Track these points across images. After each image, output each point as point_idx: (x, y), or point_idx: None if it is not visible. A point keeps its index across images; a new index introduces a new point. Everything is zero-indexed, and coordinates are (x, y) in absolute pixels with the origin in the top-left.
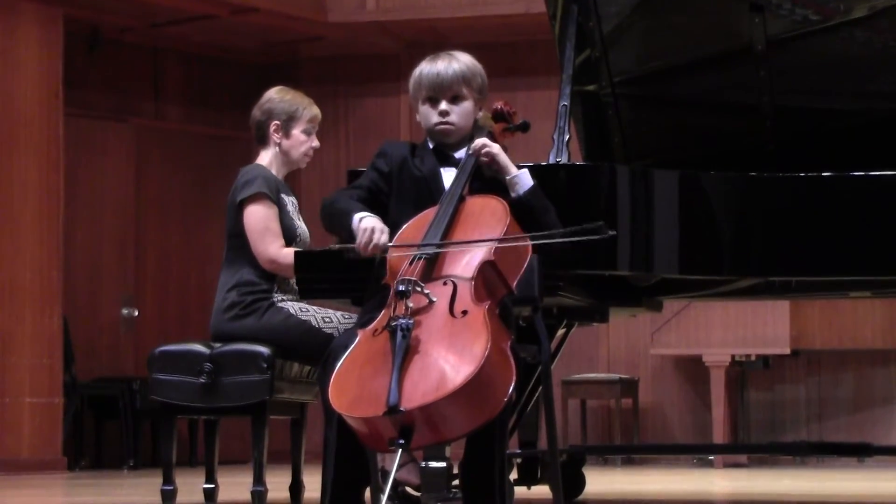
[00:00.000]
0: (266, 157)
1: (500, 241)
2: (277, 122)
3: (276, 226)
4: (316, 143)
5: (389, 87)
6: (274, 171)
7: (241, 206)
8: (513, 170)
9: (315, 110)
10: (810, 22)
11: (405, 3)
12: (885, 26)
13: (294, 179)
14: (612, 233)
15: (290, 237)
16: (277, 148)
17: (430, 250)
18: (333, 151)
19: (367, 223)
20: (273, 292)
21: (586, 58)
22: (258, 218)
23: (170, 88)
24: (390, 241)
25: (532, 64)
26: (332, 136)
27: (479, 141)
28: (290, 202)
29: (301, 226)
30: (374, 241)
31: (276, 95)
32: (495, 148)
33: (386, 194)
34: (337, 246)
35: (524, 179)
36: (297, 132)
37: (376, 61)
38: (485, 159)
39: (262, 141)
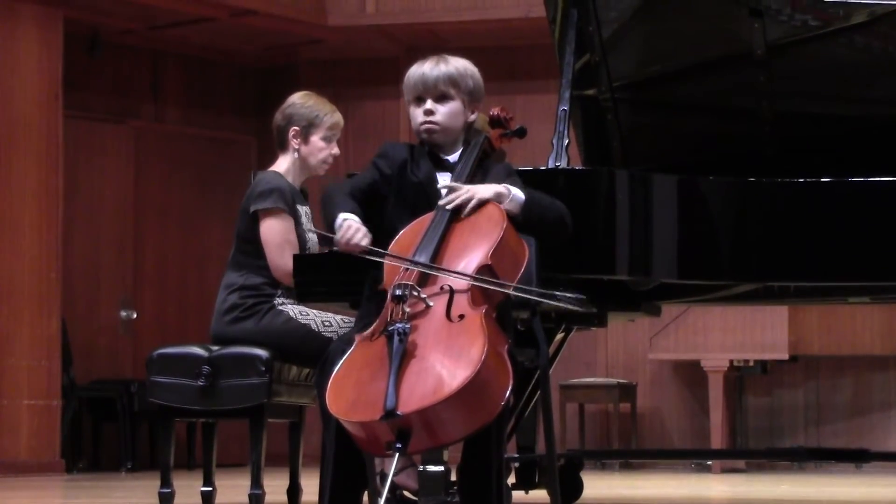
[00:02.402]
0: (284, 163)
1: (474, 279)
2: (297, 127)
3: (294, 239)
4: (336, 150)
5: (389, 91)
6: (291, 178)
7: (256, 216)
8: (500, 191)
9: (336, 118)
10: (810, 27)
11: (405, 6)
12: (884, 32)
13: None
14: (590, 310)
15: (301, 248)
16: (297, 154)
17: (420, 267)
18: None
19: (351, 221)
20: (276, 297)
21: (586, 62)
22: (276, 231)
23: (169, 91)
24: (387, 246)
25: (531, 68)
26: None
27: (447, 196)
28: (304, 212)
29: (313, 237)
30: (356, 241)
31: (298, 101)
32: (462, 198)
33: (384, 196)
34: (317, 231)
35: (516, 199)
36: (315, 139)
37: (375, 65)
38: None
39: (282, 146)
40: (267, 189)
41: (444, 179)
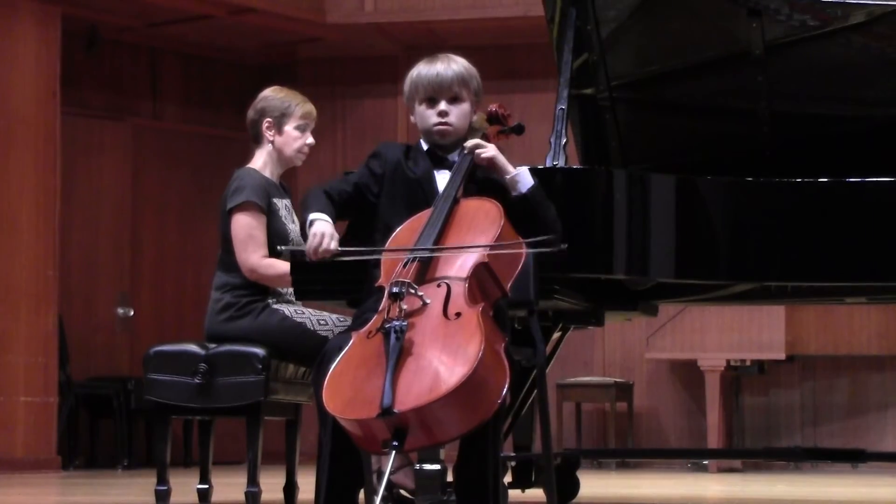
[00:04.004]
0: (260, 157)
1: (491, 247)
2: (270, 119)
3: (260, 235)
4: (310, 139)
5: (387, 89)
6: (268, 171)
7: (230, 213)
8: (511, 169)
9: (308, 107)
10: (808, 28)
11: (403, 5)
12: (882, 32)
13: (291, 181)
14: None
15: (283, 241)
16: (271, 146)
17: (423, 254)
18: (330, 153)
19: (317, 228)
20: (267, 296)
21: (584, 61)
22: (242, 226)
23: (167, 88)
24: (384, 243)
25: (530, 67)
26: (329, 138)
27: (473, 141)
28: (282, 205)
29: (295, 228)
30: (324, 246)
31: (269, 94)
32: (492, 149)
33: (375, 195)
34: (285, 248)
35: (525, 178)
36: (289, 128)
37: (374, 63)
38: (483, 162)
39: (257, 140)
40: (240, 185)
41: (442, 177)
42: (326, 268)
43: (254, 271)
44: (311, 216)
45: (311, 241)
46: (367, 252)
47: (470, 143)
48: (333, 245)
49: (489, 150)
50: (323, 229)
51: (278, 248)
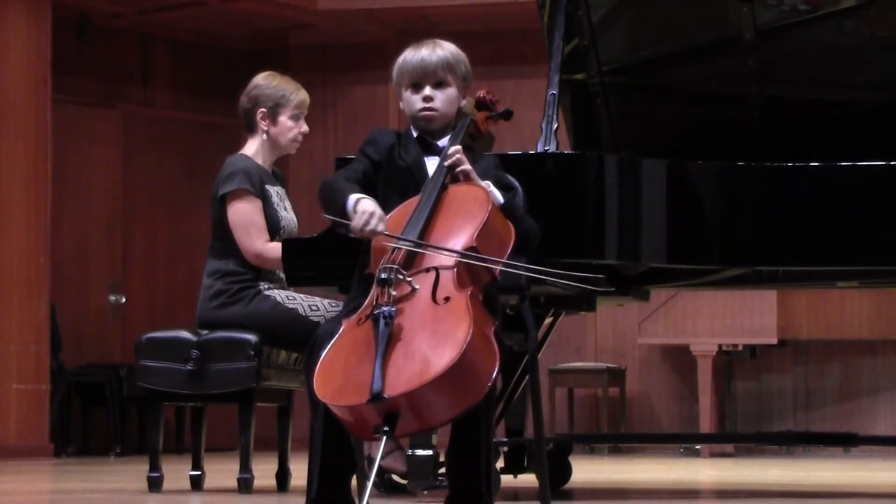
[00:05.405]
0: (253, 145)
1: (505, 264)
2: (264, 109)
3: (260, 220)
4: (305, 128)
5: (379, 76)
6: (261, 159)
7: (224, 200)
8: (482, 184)
9: (302, 95)
10: (799, 12)
11: None
12: (873, 16)
13: (282, 167)
14: (609, 289)
15: (273, 228)
16: (265, 135)
17: (415, 247)
18: (322, 139)
19: (365, 206)
20: (259, 281)
21: (575, 46)
22: (241, 213)
23: (158, 75)
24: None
25: (521, 52)
26: (320, 124)
27: (454, 152)
28: (274, 192)
29: (287, 216)
30: (371, 226)
31: (262, 82)
32: (468, 166)
33: (374, 184)
34: (331, 217)
35: (494, 198)
36: (284, 119)
37: (366, 49)
38: (458, 170)
39: (250, 128)
40: (232, 172)
41: (431, 163)
42: (318, 254)
43: (259, 256)
44: (355, 196)
45: (360, 219)
46: (412, 243)
47: (453, 149)
48: (381, 227)
49: (466, 167)
50: (372, 209)
51: (325, 216)
